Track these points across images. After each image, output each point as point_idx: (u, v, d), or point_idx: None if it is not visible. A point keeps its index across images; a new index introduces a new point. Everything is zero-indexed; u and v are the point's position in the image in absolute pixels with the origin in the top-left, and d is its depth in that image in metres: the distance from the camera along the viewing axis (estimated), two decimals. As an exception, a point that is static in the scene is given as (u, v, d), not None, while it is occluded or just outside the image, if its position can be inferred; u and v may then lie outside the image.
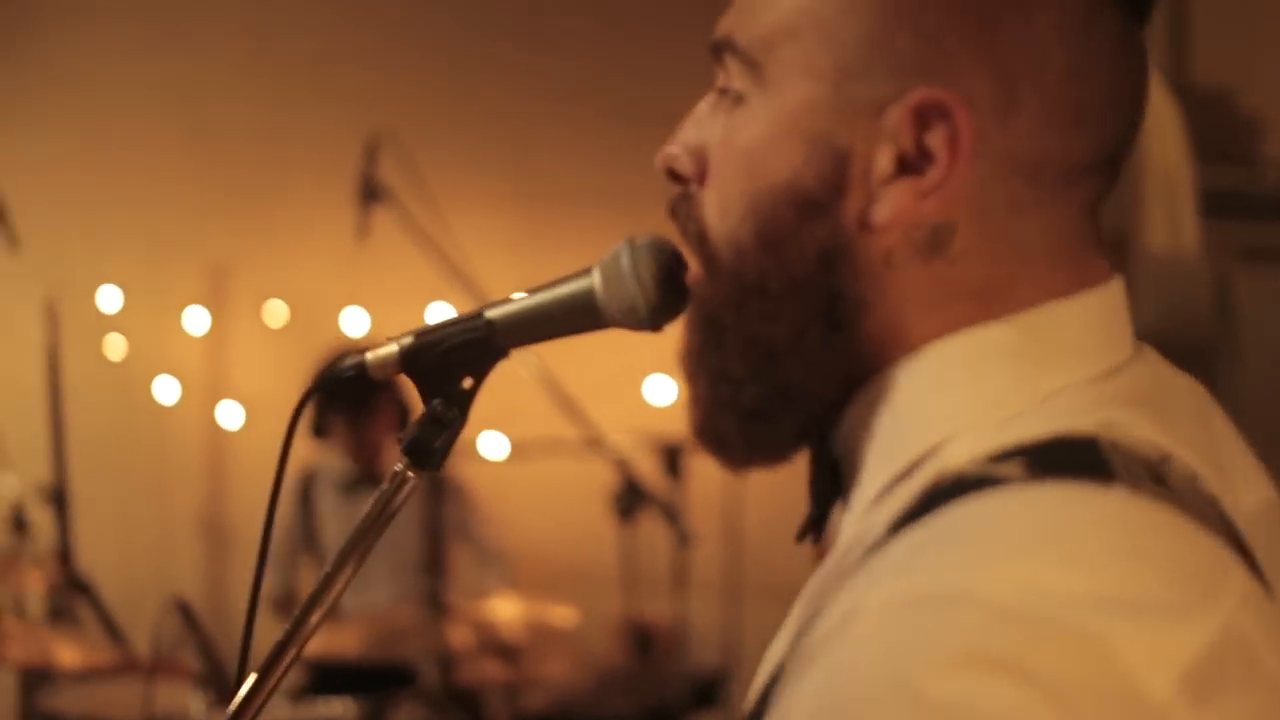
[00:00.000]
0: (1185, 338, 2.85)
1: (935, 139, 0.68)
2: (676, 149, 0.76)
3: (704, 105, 0.76)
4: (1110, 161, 0.73)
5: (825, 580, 0.72)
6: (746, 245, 0.71)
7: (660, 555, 2.76)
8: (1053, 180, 0.70)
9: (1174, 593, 0.57)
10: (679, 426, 2.83)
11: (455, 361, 0.85)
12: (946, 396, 0.69)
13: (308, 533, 3.77)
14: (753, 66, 0.71)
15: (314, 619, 0.88)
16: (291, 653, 0.90)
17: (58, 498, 4.38)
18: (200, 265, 4.57)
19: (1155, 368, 0.72)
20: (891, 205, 0.68)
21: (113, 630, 4.17)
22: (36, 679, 3.85)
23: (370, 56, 4.33)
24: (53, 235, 4.75)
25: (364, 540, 0.90)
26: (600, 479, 2.72)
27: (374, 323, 3.94)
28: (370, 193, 2.97)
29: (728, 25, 0.74)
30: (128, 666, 3.32)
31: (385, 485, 0.87)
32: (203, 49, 4.59)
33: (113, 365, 4.72)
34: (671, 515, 2.39)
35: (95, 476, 4.63)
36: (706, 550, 3.37)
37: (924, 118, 0.68)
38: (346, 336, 4.04)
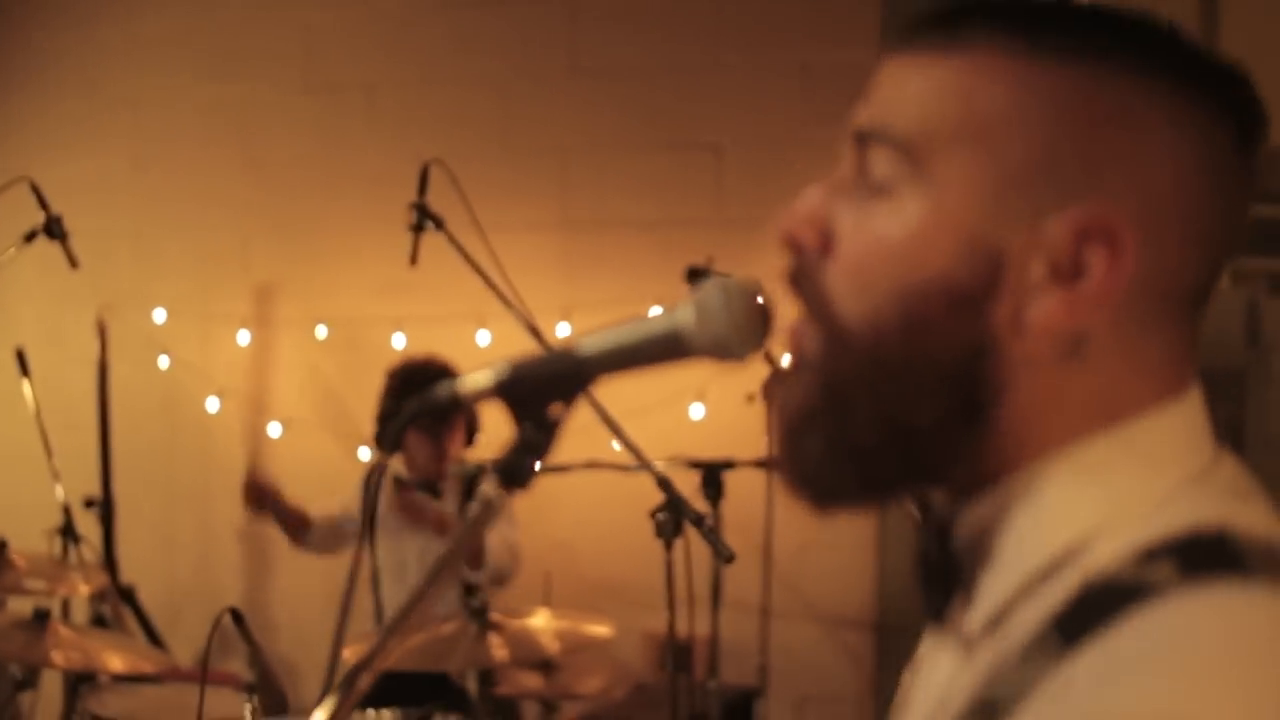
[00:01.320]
0: (1216, 364, 2.92)
1: (1094, 254, 0.71)
2: (800, 220, 0.79)
3: (829, 183, 0.79)
4: (1213, 284, 0.77)
5: (974, 674, 0.73)
6: (889, 329, 0.74)
7: (694, 573, 2.83)
8: (1179, 299, 0.75)
9: None
10: (717, 448, 2.92)
11: (546, 389, 0.91)
12: (1082, 496, 0.72)
13: (366, 523, 3.85)
14: (913, 162, 0.74)
15: (398, 638, 0.90)
16: (371, 671, 0.90)
17: (104, 508, 4.49)
18: (248, 286, 4.67)
19: (1237, 461, 0.77)
20: (1043, 311, 0.71)
21: (154, 637, 4.27)
22: (82, 683, 3.95)
23: (419, 86, 4.43)
24: (105, 254, 4.86)
25: (454, 560, 0.95)
26: (640, 497, 2.79)
27: (417, 345, 4.02)
28: (420, 221, 3.06)
29: (879, 115, 0.77)
30: (170, 672, 3.40)
31: (476, 506, 0.91)
32: (254, 75, 4.71)
33: (160, 381, 4.83)
34: (711, 534, 2.46)
35: (141, 488, 4.74)
36: (740, 569, 3.44)
37: (1086, 233, 0.71)
38: (392, 355, 4.12)
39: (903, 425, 0.75)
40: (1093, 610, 0.66)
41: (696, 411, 3.93)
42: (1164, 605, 0.64)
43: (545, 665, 3.19)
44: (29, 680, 3.13)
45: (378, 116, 4.55)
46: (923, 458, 0.76)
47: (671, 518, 2.57)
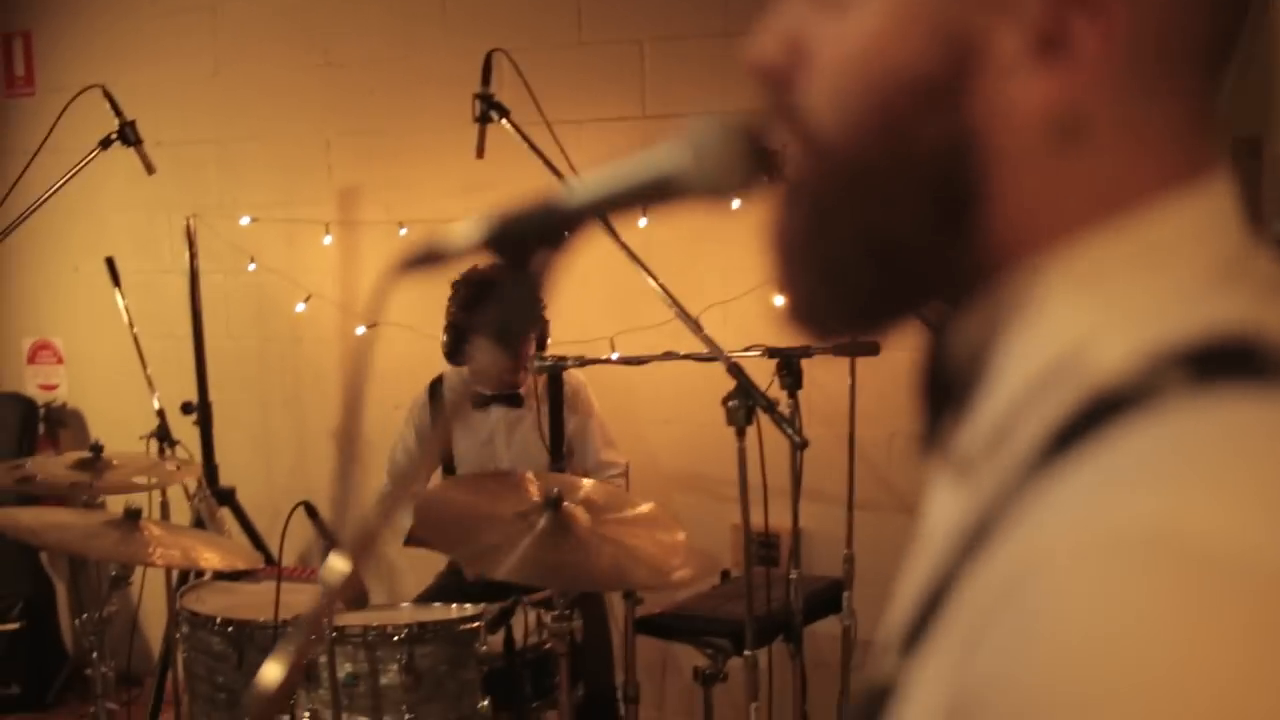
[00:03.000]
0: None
1: (1076, 19, 0.63)
2: (769, 45, 0.73)
3: (788, 5, 0.73)
4: (1229, 42, 0.67)
5: (970, 496, 0.67)
6: (866, 135, 0.68)
7: (775, 462, 2.79)
8: (1189, 58, 0.65)
9: None
10: (794, 339, 2.86)
11: (536, 236, 0.87)
12: (1084, 299, 0.64)
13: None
14: None
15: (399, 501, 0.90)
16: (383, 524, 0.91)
17: (201, 413, 4.58)
18: (330, 189, 4.69)
19: (1274, 259, 0.68)
20: (1026, 94, 0.64)
21: (253, 536, 4.37)
22: (182, 581, 4.06)
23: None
24: (191, 163, 4.93)
25: (446, 426, 0.92)
26: (720, 391, 2.75)
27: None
28: (485, 112, 3.01)
29: None
30: (266, 570, 3.47)
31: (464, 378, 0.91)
32: (330, -25, 4.70)
33: (249, 286, 4.89)
34: (782, 419, 2.41)
35: (236, 393, 4.83)
36: (826, 460, 3.40)
37: None
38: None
39: (888, 238, 0.70)
40: (1092, 420, 0.59)
41: (779, 300, 3.86)
42: (1169, 414, 0.57)
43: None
44: (124, 577, 3.21)
45: (452, 14, 4.51)
46: (913, 272, 0.70)
47: (743, 404, 2.53)
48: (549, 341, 3.81)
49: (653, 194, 0.85)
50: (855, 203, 0.70)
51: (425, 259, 0.94)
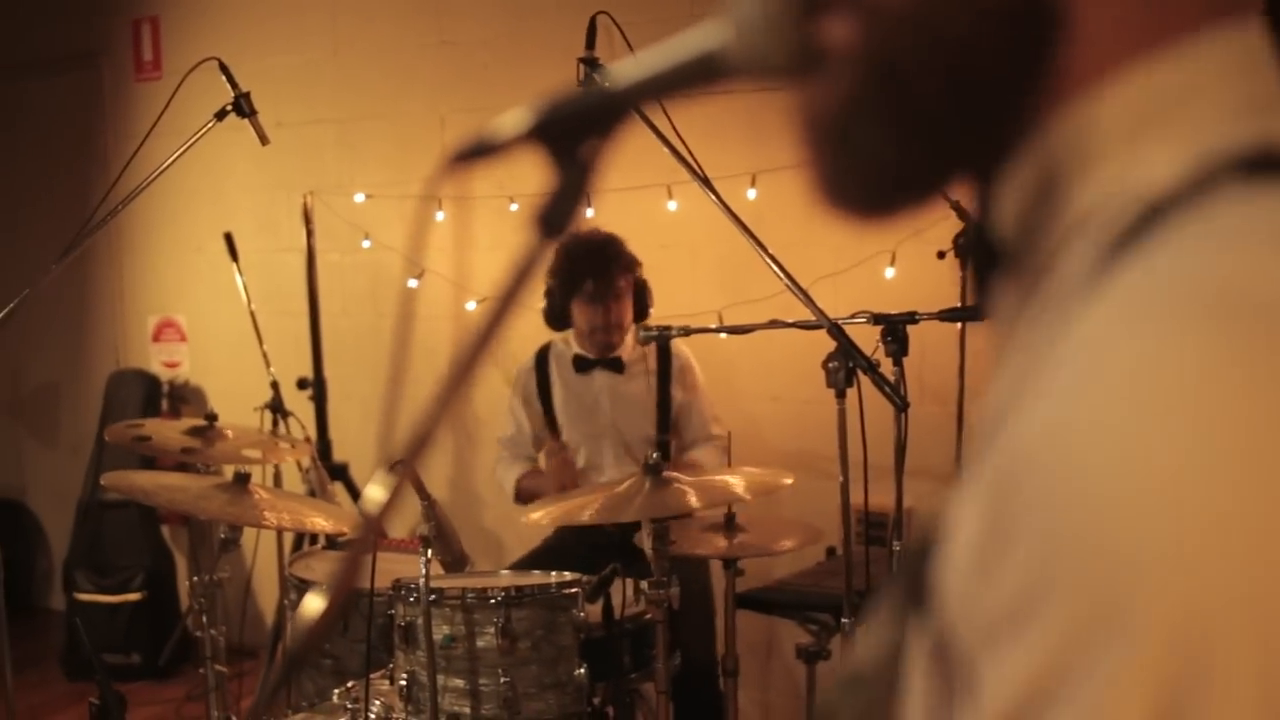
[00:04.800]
0: None
1: None
2: None
3: None
4: None
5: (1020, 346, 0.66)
6: None
7: (882, 437, 2.73)
8: None
9: None
10: (900, 306, 2.80)
11: (583, 126, 0.85)
12: (1137, 124, 0.63)
13: (545, 407, 3.88)
14: None
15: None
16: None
17: (317, 389, 4.65)
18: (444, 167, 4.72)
19: None
20: None
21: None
22: (297, 546, 4.13)
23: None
24: (309, 142, 5.01)
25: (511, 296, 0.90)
26: (822, 359, 2.70)
27: (606, 217, 3.99)
28: (590, 76, 2.99)
29: None
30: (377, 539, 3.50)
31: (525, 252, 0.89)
32: (444, -45, 4.74)
33: (364, 263, 4.95)
34: (885, 382, 2.35)
35: (351, 369, 4.89)
36: (930, 433, 3.33)
37: None
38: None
39: (974, 80, 0.66)
40: (1147, 225, 0.58)
41: (889, 274, 3.80)
42: (1224, 205, 0.56)
43: (730, 527, 3.15)
44: (233, 540, 3.26)
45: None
46: (996, 115, 0.67)
47: (843, 365, 2.47)
48: (650, 311, 3.79)
49: (697, 74, 0.82)
50: (935, 50, 0.66)
51: (477, 151, 0.92)
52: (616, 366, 3.76)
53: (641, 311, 3.76)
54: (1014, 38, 0.65)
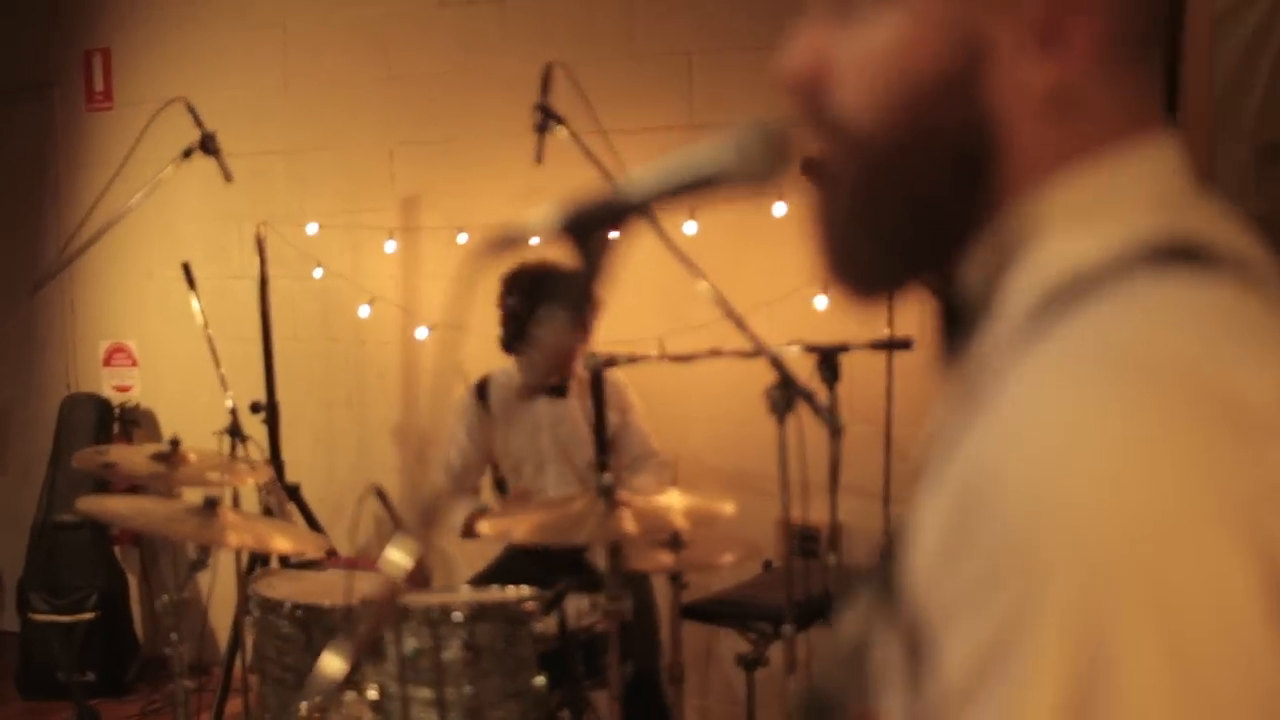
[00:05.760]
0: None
1: (1068, 17, 0.79)
2: (799, 59, 0.89)
3: (810, 23, 0.90)
4: (1158, 29, 0.86)
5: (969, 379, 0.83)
6: (899, 125, 0.83)
7: (816, 458, 2.94)
8: (1135, 43, 0.83)
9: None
10: (831, 334, 3.02)
11: (603, 222, 1.02)
12: (1070, 218, 0.80)
13: (485, 438, 4.04)
14: None
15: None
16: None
17: (269, 412, 4.78)
18: (393, 198, 4.90)
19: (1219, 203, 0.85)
20: (1030, 77, 0.80)
21: (316, 528, 4.57)
22: (250, 569, 4.25)
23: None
24: (261, 173, 5.15)
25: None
26: (759, 384, 2.92)
27: (555, 250, 4.16)
28: (544, 121, 3.20)
29: None
30: (333, 560, 3.66)
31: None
32: (394, -4, 4.91)
33: (315, 292, 5.10)
34: (821, 409, 2.58)
35: (302, 393, 5.03)
36: (864, 456, 3.55)
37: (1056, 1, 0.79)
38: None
39: (928, 200, 0.85)
40: (1073, 293, 0.75)
41: (820, 303, 4.03)
42: (1137, 285, 0.74)
43: (675, 543, 3.35)
44: (203, 561, 3.41)
45: (510, 26, 4.71)
46: (944, 223, 0.86)
47: (783, 394, 2.70)
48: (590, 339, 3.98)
49: (702, 187, 1.00)
50: (897, 178, 0.85)
51: (504, 244, 1.07)
52: (559, 392, 3.95)
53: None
54: (964, 172, 0.84)
